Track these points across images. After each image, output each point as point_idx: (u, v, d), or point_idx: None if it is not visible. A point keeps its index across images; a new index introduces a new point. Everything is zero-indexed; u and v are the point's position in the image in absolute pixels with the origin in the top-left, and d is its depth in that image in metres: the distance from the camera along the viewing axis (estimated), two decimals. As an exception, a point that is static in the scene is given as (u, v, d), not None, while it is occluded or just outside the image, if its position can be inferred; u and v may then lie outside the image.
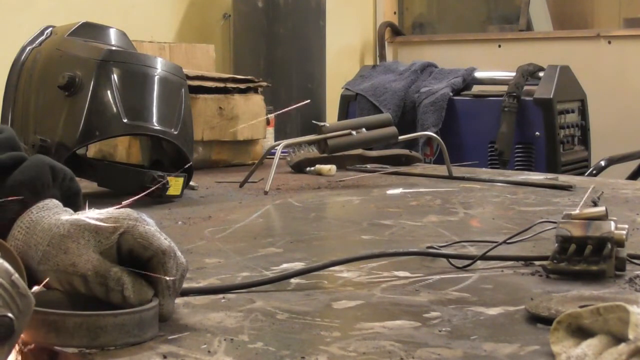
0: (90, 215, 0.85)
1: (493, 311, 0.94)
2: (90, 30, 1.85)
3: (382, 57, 4.65)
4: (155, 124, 1.76)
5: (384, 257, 1.18)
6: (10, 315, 0.67)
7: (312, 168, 2.24)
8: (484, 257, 1.16)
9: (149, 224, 0.86)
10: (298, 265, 1.17)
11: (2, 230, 0.86)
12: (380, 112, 3.67)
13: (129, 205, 0.88)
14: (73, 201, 0.93)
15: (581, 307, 0.79)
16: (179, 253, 0.87)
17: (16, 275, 0.68)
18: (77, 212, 0.88)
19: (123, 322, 0.80)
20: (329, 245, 1.42)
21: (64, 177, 0.93)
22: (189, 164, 1.78)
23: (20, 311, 0.68)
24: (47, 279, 0.84)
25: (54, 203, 0.89)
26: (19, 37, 1.90)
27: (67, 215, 0.87)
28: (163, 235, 0.86)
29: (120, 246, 0.84)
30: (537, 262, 1.16)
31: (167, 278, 0.85)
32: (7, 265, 0.68)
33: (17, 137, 0.94)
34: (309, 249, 1.33)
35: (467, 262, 1.15)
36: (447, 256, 1.18)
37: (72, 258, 0.83)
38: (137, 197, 0.98)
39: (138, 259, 0.85)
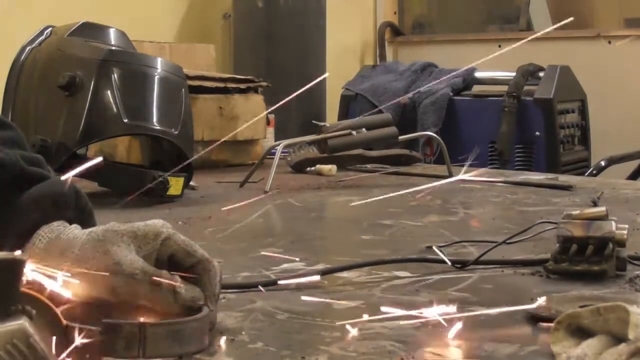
0: (122, 224, 0.84)
1: (493, 311, 0.94)
2: (90, 30, 1.85)
3: (382, 57, 4.64)
4: (156, 124, 1.76)
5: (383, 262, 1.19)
6: None
7: (313, 168, 2.24)
8: (477, 262, 1.15)
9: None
10: (298, 265, 1.17)
11: (19, 240, 0.85)
12: (381, 112, 3.67)
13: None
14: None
15: (581, 307, 0.79)
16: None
17: (35, 337, 0.66)
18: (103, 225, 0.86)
19: (200, 326, 0.79)
20: (329, 245, 1.42)
21: (85, 206, 0.91)
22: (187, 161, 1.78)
23: None
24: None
25: (74, 225, 0.87)
26: (19, 37, 1.90)
27: (92, 228, 0.85)
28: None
29: (160, 253, 0.83)
30: (535, 263, 1.16)
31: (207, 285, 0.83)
32: (26, 326, 0.66)
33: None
34: (309, 249, 1.33)
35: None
36: (441, 261, 1.17)
37: (116, 258, 0.80)
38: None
39: (177, 266, 0.83)
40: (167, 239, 0.83)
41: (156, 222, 0.85)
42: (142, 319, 0.77)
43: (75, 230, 0.85)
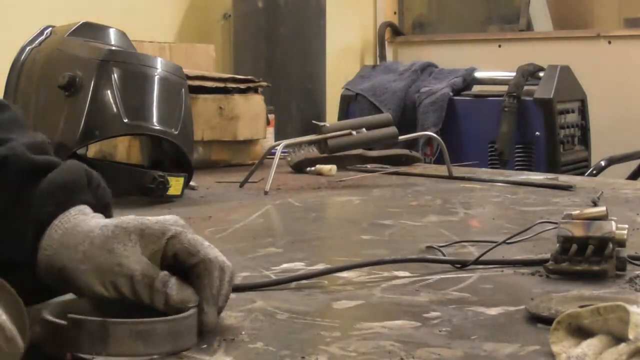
0: (134, 220, 0.84)
1: (493, 311, 0.94)
2: (90, 30, 1.85)
3: (382, 57, 4.65)
4: (156, 124, 1.76)
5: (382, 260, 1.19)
6: None
7: (313, 168, 2.24)
8: (477, 262, 1.15)
9: (194, 234, 0.85)
10: (298, 265, 1.17)
11: (36, 232, 0.84)
12: (380, 112, 3.67)
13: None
14: (103, 212, 0.90)
15: (581, 307, 0.79)
16: (223, 258, 0.85)
17: (3, 317, 0.67)
18: (119, 217, 0.85)
19: (170, 328, 0.78)
20: (329, 245, 1.42)
21: (98, 184, 0.91)
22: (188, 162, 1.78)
23: (6, 354, 0.66)
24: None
25: (89, 210, 0.87)
26: (19, 37, 1.90)
27: (107, 220, 0.85)
28: (211, 245, 0.85)
29: (165, 251, 0.82)
30: (535, 264, 1.16)
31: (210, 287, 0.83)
32: None
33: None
34: (309, 249, 1.33)
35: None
36: (441, 262, 1.18)
37: (119, 258, 0.81)
38: None
39: (181, 266, 0.83)
40: (173, 237, 0.83)
41: (168, 219, 0.84)
42: (118, 317, 0.77)
43: (92, 221, 0.85)
